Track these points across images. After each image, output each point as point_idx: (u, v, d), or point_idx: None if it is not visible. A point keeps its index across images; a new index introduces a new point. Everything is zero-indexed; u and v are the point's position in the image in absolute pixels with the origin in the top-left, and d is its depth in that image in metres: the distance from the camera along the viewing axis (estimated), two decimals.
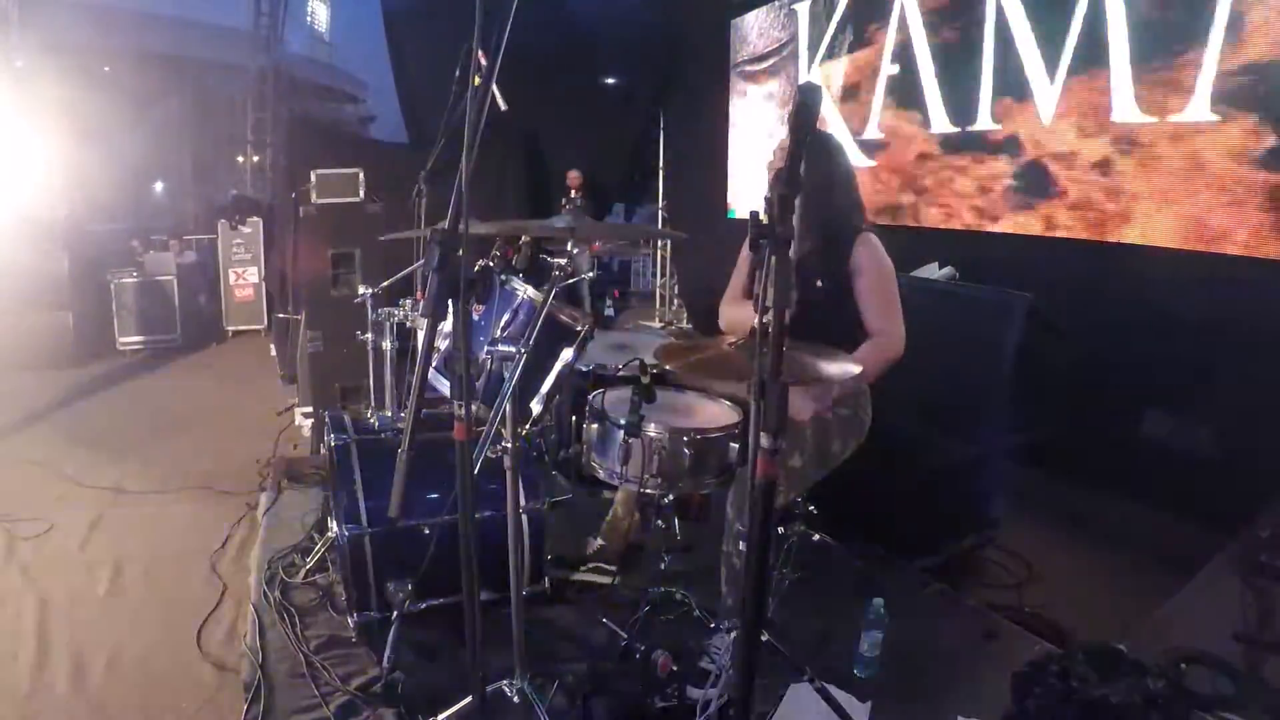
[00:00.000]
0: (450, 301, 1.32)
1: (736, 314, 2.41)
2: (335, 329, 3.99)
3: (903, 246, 3.05)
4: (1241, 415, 2.99)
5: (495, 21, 1.27)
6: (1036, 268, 3.71)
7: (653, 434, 2.03)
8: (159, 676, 2.24)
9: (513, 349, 1.71)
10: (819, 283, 2.18)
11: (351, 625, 2.28)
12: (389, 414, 3.35)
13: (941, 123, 4.49)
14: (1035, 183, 3.95)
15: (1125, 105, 3.47)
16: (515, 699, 1.89)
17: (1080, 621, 2.48)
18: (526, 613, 1.93)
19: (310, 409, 4.19)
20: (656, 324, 8.02)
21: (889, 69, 4.85)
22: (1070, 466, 3.48)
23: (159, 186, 14.62)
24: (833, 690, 1.99)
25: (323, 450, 3.30)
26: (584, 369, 2.63)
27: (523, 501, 2.21)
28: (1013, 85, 4.01)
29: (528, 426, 1.85)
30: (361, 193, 4.21)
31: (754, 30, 6.32)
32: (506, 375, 1.71)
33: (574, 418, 2.39)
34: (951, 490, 2.92)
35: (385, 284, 3.39)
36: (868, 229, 2.24)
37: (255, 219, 7.20)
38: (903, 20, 4.70)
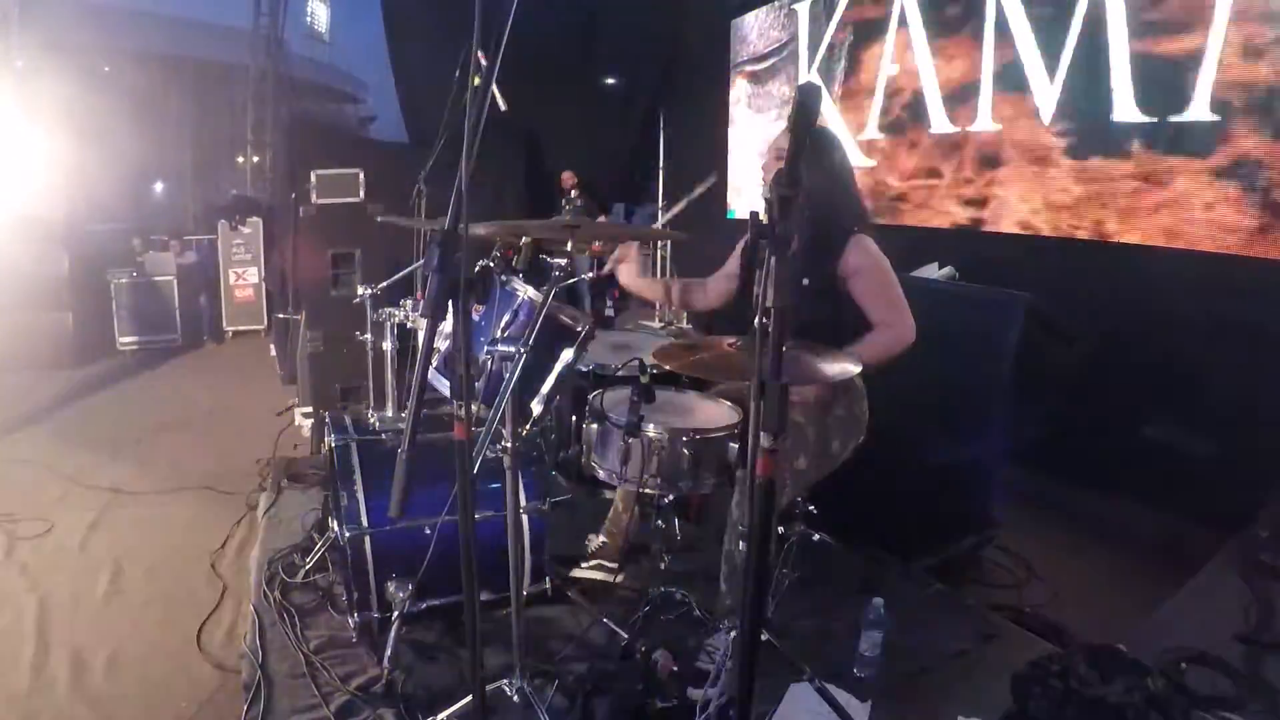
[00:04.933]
0: (450, 302, 1.32)
1: (715, 286, 2.55)
2: (335, 329, 3.99)
3: (903, 246, 3.05)
4: (1241, 415, 2.99)
5: (495, 22, 1.27)
6: (1036, 268, 3.71)
7: (652, 434, 2.03)
8: (159, 676, 2.24)
9: (513, 349, 1.71)
10: (805, 280, 2.18)
11: (351, 625, 2.28)
12: (389, 414, 3.34)
13: (941, 123, 4.49)
14: (1035, 182, 3.95)
15: (1125, 105, 3.47)
16: (515, 699, 1.89)
17: (1080, 621, 2.48)
18: (526, 612, 1.93)
19: (310, 409, 4.19)
20: (656, 324, 8.01)
21: (889, 69, 4.85)
22: (1070, 466, 3.48)
23: (159, 186, 14.62)
24: (833, 690, 1.99)
25: (323, 450, 3.29)
26: (584, 369, 2.63)
27: (523, 501, 2.21)
28: (1012, 85, 4.02)
29: (528, 427, 1.85)
30: (361, 193, 4.21)
31: (754, 30, 6.32)
32: (506, 375, 1.71)
33: (574, 418, 2.39)
34: (951, 490, 2.91)
35: (385, 284, 3.38)
36: (861, 230, 2.22)
37: (255, 219, 7.19)
38: (903, 20, 4.70)
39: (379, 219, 3.39)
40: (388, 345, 3.40)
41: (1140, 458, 3.29)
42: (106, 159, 9.06)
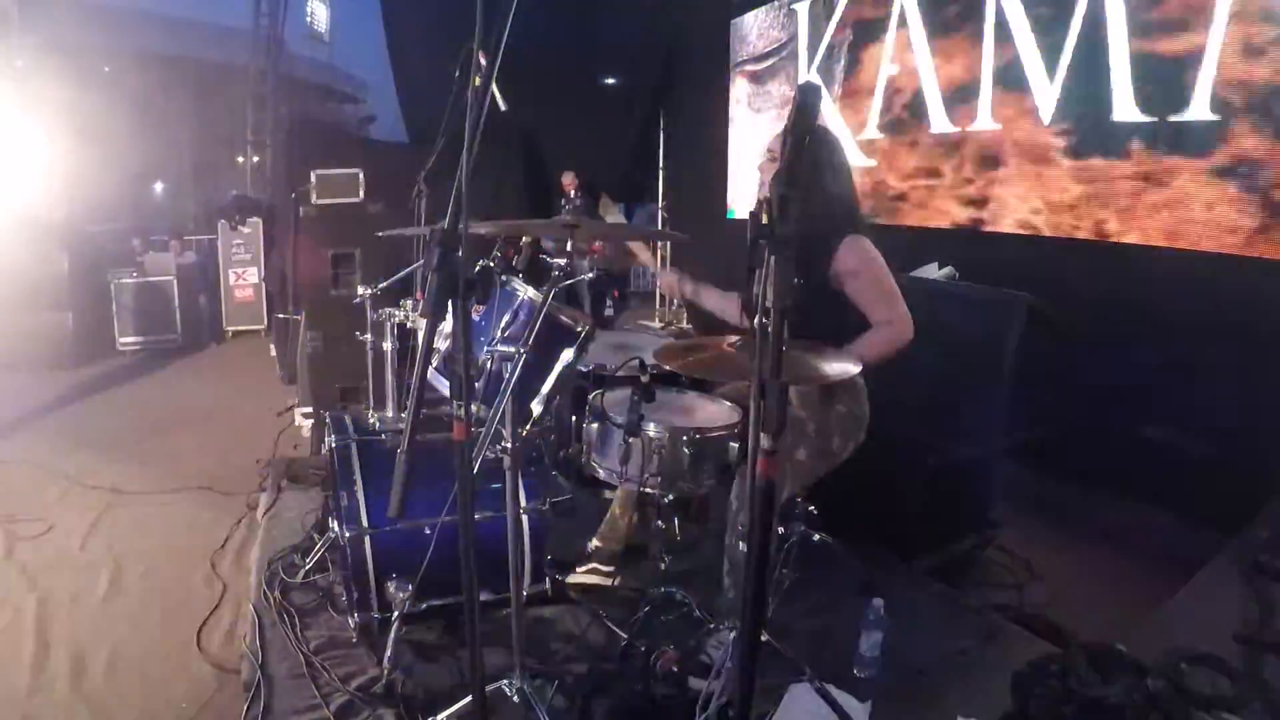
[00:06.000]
0: (450, 302, 1.32)
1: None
2: (335, 329, 3.99)
3: (903, 246, 3.06)
4: (1241, 415, 2.99)
5: (495, 21, 1.27)
6: (1036, 268, 3.71)
7: (652, 433, 2.03)
8: (159, 676, 2.24)
9: (513, 349, 1.71)
10: (797, 279, 2.17)
11: (351, 625, 2.28)
12: (389, 414, 3.34)
13: (941, 122, 4.49)
14: (1036, 182, 3.95)
15: (1125, 104, 3.47)
16: (515, 699, 1.89)
17: (1080, 621, 2.48)
18: (526, 612, 1.92)
19: (310, 409, 4.19)
20: (656, 324, 8.02)
21: (889, 69, 4.85)
22: (1070, 466, 3.48)
23: (159, 186, 14.63)
24: (833, 690, 1.99)
25: (323, 451, 3.29)
26: (584, 369, 2.62)
27: (523, 502, 2.21)
28: (1013, 84, 4.01)
29: (528, 427, 1.84)
30: (361, 193, 4.21)
31: (754, 30, 6.32)
32: (506, 375, 1.71)
33: (574, 418, 2.39)
34: (951, 490, 2.91)
35: (385, 284, 3.38)
36: (856, 230, 2.21)
37: (255, 219, 7.19)
38: (903, 20, 4.70)
39: (380, 234, 3.40)
40: (388, 345, 3.40)
41: (1140, 458, 3.29)
42: (106, 159, 9.06)
